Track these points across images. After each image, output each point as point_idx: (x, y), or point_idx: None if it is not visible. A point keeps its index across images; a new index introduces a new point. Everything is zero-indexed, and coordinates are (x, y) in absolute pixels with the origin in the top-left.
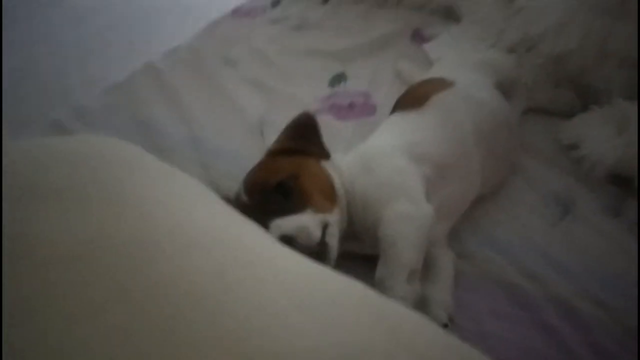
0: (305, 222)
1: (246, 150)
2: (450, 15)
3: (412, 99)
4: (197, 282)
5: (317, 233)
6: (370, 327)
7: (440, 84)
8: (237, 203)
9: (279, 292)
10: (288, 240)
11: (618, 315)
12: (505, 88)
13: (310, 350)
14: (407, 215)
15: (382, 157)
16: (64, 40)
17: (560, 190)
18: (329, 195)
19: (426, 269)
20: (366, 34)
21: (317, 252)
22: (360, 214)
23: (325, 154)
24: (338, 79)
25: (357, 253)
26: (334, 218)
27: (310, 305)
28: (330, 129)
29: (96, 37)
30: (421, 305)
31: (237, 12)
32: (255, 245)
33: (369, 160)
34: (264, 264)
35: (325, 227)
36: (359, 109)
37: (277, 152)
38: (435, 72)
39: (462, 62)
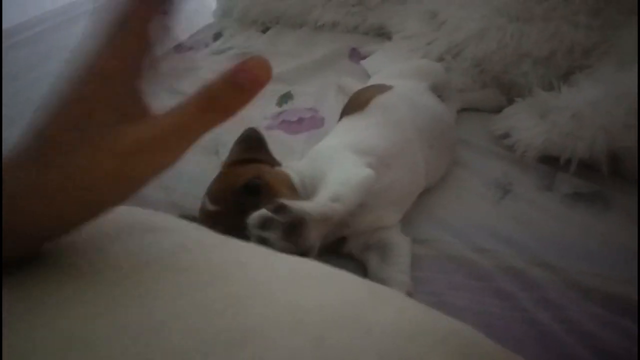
0: (281, 201)
1: (203, 170)
2: (383, 34)
3: (354, 104)
4: None
5: (295, 206)
6: None
7: (379, 89)
8: (203, 216)
9: None
10: (267, 222)
11: (562, 273)
12: (438, 91)
13: None
14: (347, 169)
15: (328, 152)
16: None
17: (498, 175)
18: (292, 189)
19: (383, 253)
20: (307, 56)
21: (297, 239)
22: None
23: (275, 162)
24: (285, 98)
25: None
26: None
27: None
28: (283, 143)
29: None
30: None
31: (179, 49)
32: None
33: (316, 158)
34: None
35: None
36: (307, 123)
37: (232, 164)
38: (374, 82)
39: (397, 71)
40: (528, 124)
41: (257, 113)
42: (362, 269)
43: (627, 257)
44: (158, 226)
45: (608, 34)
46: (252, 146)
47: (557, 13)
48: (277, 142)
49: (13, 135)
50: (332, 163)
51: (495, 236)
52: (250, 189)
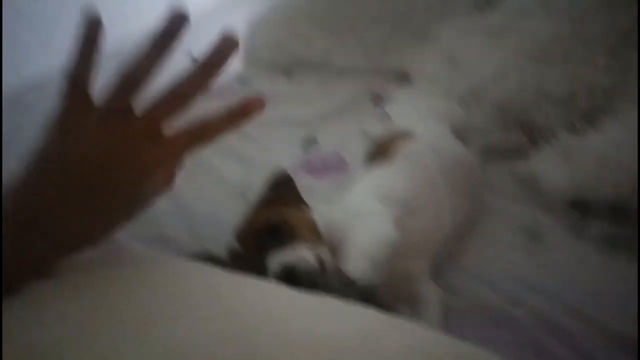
0: (301, 251)
1: (229, 214)
2: (403, 78)
3: (381, 153)
4: None
5: (311, 261)
6: None
7: (404, 136)
8: (232, 259)
9: None
10: (289, 271)
11: (598, 323)
12: (460, 133)
13: None
14: (372, 225)
15: (356, 201)
16: None
17: (526, 221)
18: (317, 233)
19: (413, 306)
20: (331, 100)
21: (322, 283)
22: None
23: (304, 205)
24: (310, 142)
25: None
26: (326, 255)
27: None
28: (308, 187)
29: None
30: None
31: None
32: None
33: (345, 206)
34: None
35: (321, 263)
36: (332, 167)
37: (260, 207)
38: (397, 127)
39: (419, 116)
40: (553, 168)
41: (282, 157)
42: None
43: None
44: (174, 267)
45: (629, 75)
46: (281, 188)
47: (576, 55)
48: (301, 186)
49: None
50: (359, 214)
51: (527, 286)
52: (273, 231)
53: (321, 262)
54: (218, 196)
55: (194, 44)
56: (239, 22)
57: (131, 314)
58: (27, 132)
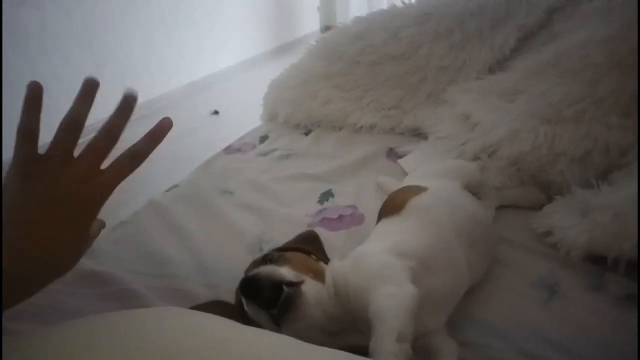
0: (277, 268)
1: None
2: (419, 135)
3: (391, 206)
4: None
5: (284, 274)
6: None
7: (415, 190)
8: (237, 304)
9: None
10: (252, 281)
11: None
12: (474, 190)
13: None
14: (392, 294)
15: (369, 256)
16: None
17: (543, 274)
18: (311, 269)
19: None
20: (347, 156)
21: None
22: (353, 305)
23: (325, 258)
24: (326, 196)
25: (362, 345)
26: (312, 287)
27: None
28: (324, 240)
29: None
30: None
31: (229, 150)
32: None
33: (357, 260)
34: None
35: (299, 283)
36: (348, 220)
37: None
38: (409, 182)
39: (432, 171)
40: (570, 223)
41: (300, 211)
42: None
43: None
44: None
45: None
46: (307, 243)
47: (588, 115)
48: (321, 238)
49: None
50: (373, 270)
51: (544, 341)
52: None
53: (299, 282)
54: (235, 250)
55: (220, 99)
56: (260, 81)
57: None
58: None
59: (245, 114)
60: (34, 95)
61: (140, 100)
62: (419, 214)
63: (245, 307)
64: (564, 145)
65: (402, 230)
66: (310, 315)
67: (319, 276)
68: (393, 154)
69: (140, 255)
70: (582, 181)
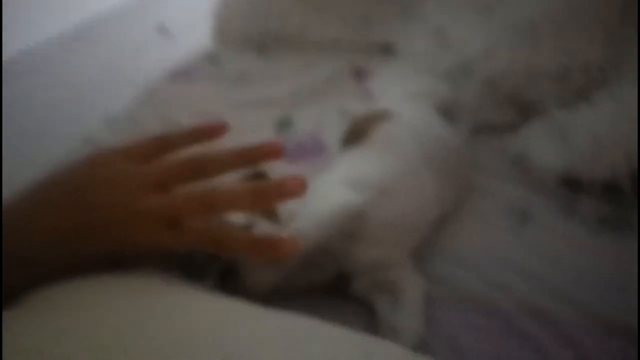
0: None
1: None
2: (388, 52)
3: (355, 135)
4: None
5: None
6: None
7: (382, 116)
8: None
9: None
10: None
11: (586, 308)
12: (447, 112)
13: None
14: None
15: (320, 189)
16: None
17: (515, 201)
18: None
19: (393, 296)
20: (308, 78)
21: None
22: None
23: None
24: (284, 124)
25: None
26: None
27: None
28: (282, 173)
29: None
30: (391, 334)
31: (174, 75)
32: None
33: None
34: None
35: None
36: (308, 151)
37: None
38: (377, 106)
39: (401, 93)
40: (545, 145)
41: (254, 141)
42: (371, 313)
43: None
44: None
45: (625, 49)
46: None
47: (569, 30)
48: (275, 172)
49: None
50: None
51: (515, 270)
52: None
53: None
54: None
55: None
56: None
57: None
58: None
59: (194, 31)
60: (210, 133)
61: (79, 18)
62: (385, 143)
63: None
64: (542, 62)
65: (365, 160)
66: (259, 282)
67: (272, 216)
68: (360, 74)
69: None
70: (560, 101)
